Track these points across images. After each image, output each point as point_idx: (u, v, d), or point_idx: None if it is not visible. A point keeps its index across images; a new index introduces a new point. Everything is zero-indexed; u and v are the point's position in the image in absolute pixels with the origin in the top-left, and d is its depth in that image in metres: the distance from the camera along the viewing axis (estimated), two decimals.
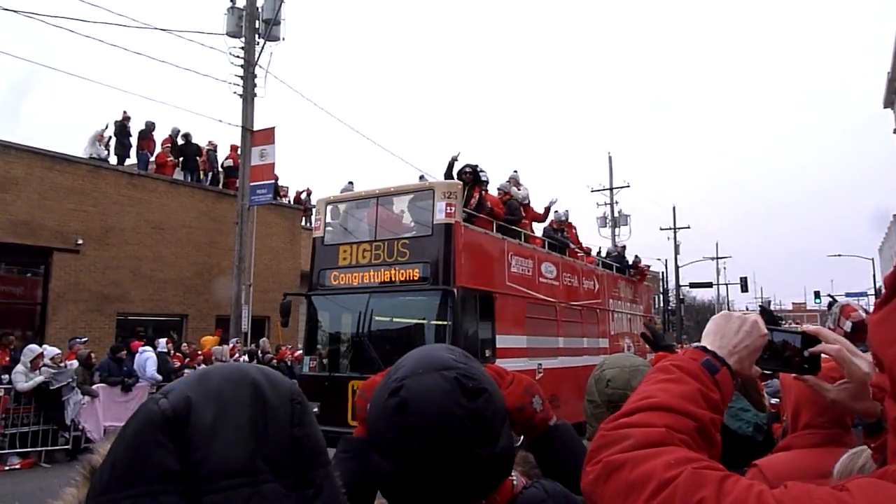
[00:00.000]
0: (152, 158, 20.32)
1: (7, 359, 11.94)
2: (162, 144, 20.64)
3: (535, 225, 14.37)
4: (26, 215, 16.10)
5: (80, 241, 17.00)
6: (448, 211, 9.90)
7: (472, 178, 11.36)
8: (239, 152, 18.38)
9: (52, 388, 11.17)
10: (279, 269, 22.06)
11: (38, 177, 16.40)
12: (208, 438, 0.63)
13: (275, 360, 15.39)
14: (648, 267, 21.48)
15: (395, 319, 10.41)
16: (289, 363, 15.56)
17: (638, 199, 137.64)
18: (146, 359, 13.01)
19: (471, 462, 1.13)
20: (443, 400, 1.13)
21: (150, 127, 20.27)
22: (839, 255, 51.76)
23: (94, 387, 12.15)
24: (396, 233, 10.62)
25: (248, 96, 17.07)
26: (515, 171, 14.03)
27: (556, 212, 15.07)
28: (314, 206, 13.53)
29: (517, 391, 1.41)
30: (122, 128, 19.57)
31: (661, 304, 46.12)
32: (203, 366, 10.23)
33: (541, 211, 14.52)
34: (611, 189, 38.46)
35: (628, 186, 38.94)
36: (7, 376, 11.15)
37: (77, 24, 15.69)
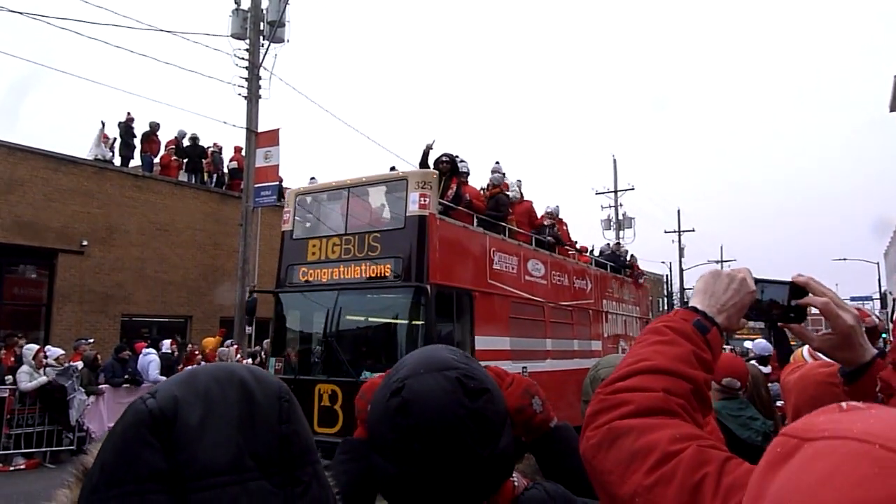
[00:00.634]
0: (157, 160, 20.38)
1: (12, 360, 11.99)
2: (166, 146, 20.70)
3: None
4: (31, 216, 16.18)
5: (84, 243, 17.08)
6: (422, 202, 9.27)
7: (450, 169, 10.63)
8: (243, 154, 18.41)
9: (55, 386, 11.19)
10: None
11: (42, 178, 16.48)
12: (195, 437, 0.64)
13: None
14: (644, 274, 20.83)
15: (364, 319, 9.80)
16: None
17: (642, 202, 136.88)
18: (149, 361, 13.04)
19: (472, 462, 1.13)
20: (444, 400, 1.13)
21: (154, 128, 20.33)
22: (844, 259, 51.63)
23: (98, 388, 12.19)
24: (368, 226, 9.92)
25: (253, 98, 17.07)
26: (498, 163, 13.11)
27: (547, 207, 14.66)
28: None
29: (517, 392, 1.41)
30: (126, 129, 19.62)
31: (666, 308, 46.02)
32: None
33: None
34: (615, 191, 38.41)
35: (633, 189, 38.87)
36: (11, 377, 11.18)
37: (82, 25, 15.73)
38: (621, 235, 36.78)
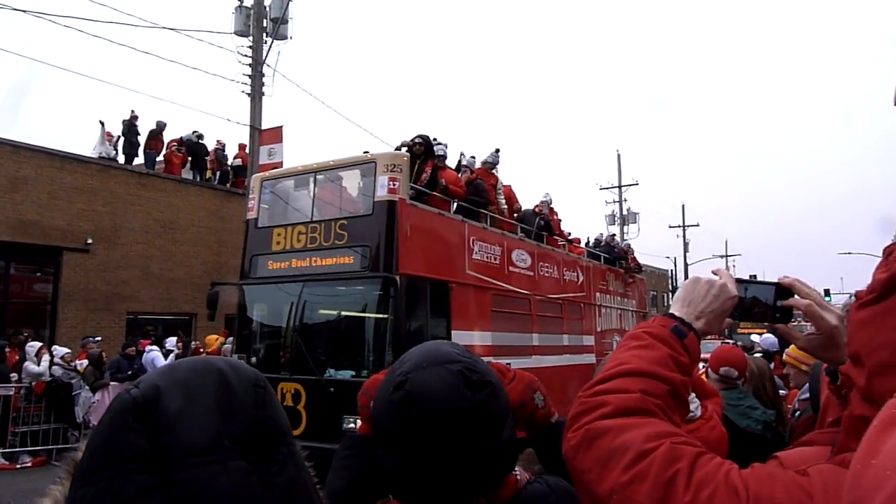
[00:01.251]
0: (160, 158, 20.40)
1: (17, 357, 12.05)
2: (168, 144, 20.71)
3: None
4: (36, 215, 16.23)
5: (89, 241, 17.11)
6: (391, 186, 8.61)
7: (424, 151, 9.91)
8: (247, 151, 18.41)
9: (60, 384, 11.27)
10: None
11: (47, 176, 16.52)
12: (176, 421, 0.69)
13: None
14: (640, 266, 20.40)
15: (330, 312, 9.15)
16: None
17: (647, 197, 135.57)
18: (153, 358, 13.08)
19: (476, 454, 1.14)
20: (448, 392, 1.14)
21: (160, 126, 20.37)
22: (849, 253, 51.42)
23: (102, 381, 12.23)
24: (336, 213, 9.34)
25: (256, 95, 17.06)
26: (498, 151, 12.54)
27: (546, 194, 14.30)
28: None
29: (519, 387, 1.42)
30: (129, 127, 19.65)
31: (671, 302, 45.92)
32: None
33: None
34: (619, 187, 38.41)
35: (637, 184, 38.96)
36: (16, 374, 11.24)
37: (85, 23, 15.78)
38: (626, 230, 36.80)
